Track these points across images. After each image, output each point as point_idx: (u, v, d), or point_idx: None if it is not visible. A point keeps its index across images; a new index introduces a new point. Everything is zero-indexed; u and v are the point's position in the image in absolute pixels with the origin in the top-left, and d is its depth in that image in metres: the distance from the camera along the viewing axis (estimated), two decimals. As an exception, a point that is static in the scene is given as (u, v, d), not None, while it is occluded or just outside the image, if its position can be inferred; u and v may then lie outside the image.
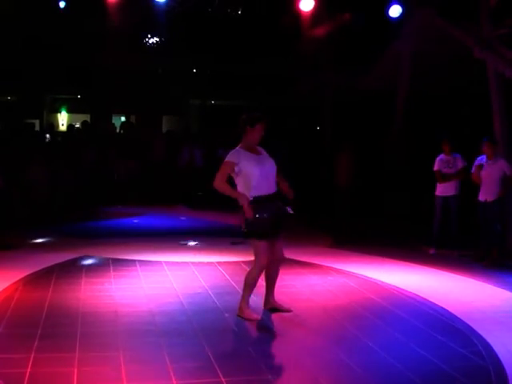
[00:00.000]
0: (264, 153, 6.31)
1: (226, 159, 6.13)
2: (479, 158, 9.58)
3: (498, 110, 11.02)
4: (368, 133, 15.79)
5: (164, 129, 21.46)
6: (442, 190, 10.20)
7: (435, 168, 10.22)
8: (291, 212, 6.16)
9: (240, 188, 6.11)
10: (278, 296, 6.57)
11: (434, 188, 10.31)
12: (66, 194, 13.92)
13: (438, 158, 10.24)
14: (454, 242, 10.10)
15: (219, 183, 6.04)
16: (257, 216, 5.97)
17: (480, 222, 9.56)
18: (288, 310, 6.48)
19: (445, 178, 10.13)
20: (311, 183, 14.83)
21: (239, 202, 6.01)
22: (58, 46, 18.11)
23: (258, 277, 6.24)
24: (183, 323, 6.04)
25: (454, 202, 10.13)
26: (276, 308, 6.49)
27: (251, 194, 6.06)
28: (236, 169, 6.08)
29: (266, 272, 6.39)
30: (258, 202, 6.02)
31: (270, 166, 6.21)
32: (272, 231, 6.11)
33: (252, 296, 6.34)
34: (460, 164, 10.13)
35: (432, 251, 10.11)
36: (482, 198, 9.48)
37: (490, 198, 9.39)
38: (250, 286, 6.24)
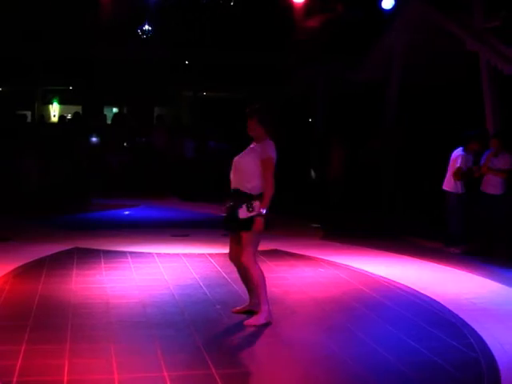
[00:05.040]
0: (255, 147, 5.89)
1: None
2: (487, 152, 9.44)
3: (491, 102, 11.04)
4: (360, 125, 15.78)
5: (155, 120, 21.36)
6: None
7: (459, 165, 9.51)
8: (243, 215, 5.67)
9: None
10: (270, 288, 6.50)
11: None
12: (57, 186, 13.84)
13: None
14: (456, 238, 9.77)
15: None
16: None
17: (483, 213, 9.48)
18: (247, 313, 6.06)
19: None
20: (302, 176, 14.81)
21: None
22: (50, 37, 18.03)
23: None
24: (174, 315, 6.03)
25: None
26: (248, 310, 6.09)
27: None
28: None
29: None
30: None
31: (245, 161, 5.83)
32: (224, 225, 6.00)
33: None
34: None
35: (457, 250, 9.48)
36: (488, 190, 9.40)
37: (495, 192, 9.35)
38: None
